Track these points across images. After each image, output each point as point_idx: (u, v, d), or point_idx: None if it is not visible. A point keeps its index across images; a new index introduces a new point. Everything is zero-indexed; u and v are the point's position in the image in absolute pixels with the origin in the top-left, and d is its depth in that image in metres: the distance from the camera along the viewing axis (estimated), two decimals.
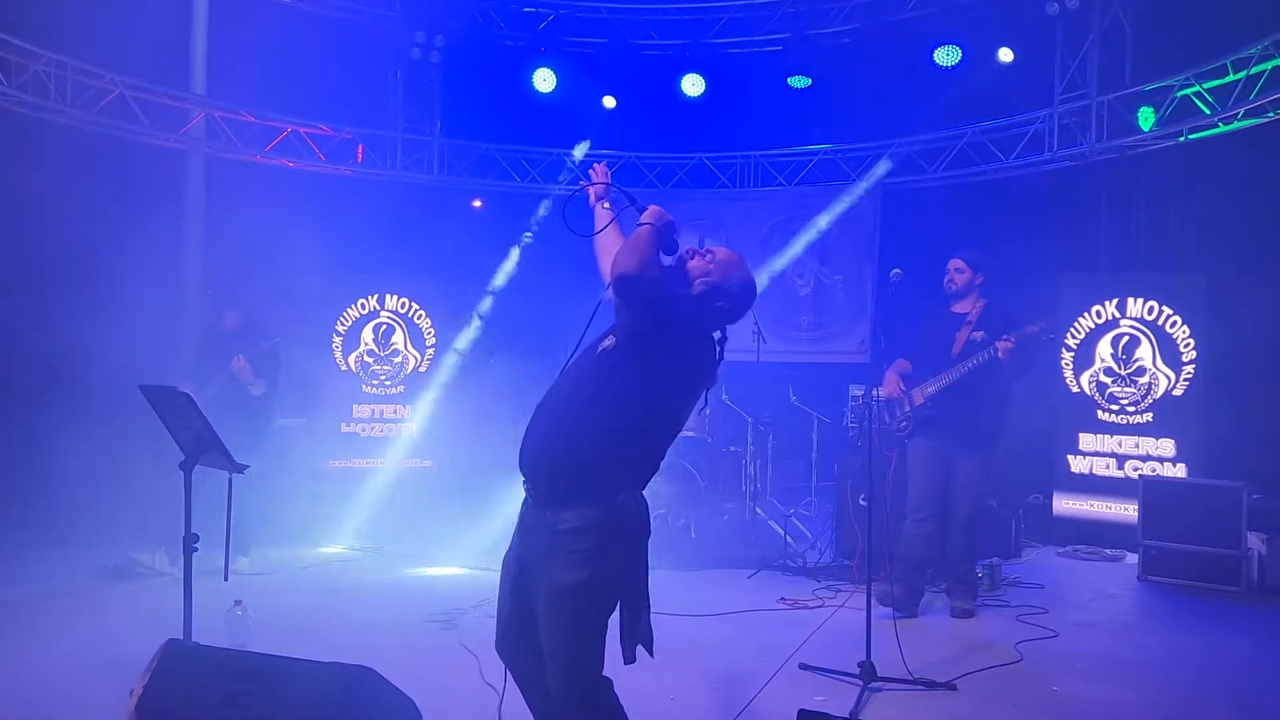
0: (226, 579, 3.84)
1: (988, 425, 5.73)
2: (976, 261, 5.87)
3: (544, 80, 10.47)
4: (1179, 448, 7.86)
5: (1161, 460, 7.92)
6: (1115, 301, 8.19)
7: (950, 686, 4.45)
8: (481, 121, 10.55)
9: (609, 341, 2.92)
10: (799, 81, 10.12)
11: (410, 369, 9.67)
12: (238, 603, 4.39)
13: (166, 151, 9.19)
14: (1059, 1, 8.26)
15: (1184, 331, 7.87)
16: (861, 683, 4.37)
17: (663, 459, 2.95)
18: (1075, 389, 8.39)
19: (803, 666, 4.70)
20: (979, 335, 5.70)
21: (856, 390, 7.81)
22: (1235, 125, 7.44)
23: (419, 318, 9.75)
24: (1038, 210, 8.94)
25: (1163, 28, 8.17)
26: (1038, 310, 8.37)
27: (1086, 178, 8.73)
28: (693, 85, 10.55)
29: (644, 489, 2.91)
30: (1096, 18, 8.40)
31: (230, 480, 3.86)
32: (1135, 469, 7.99)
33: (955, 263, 5.91)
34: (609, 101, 10.56)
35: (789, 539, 7.34)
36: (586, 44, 10.67)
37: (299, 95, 9.74)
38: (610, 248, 3.15)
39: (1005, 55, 8.77)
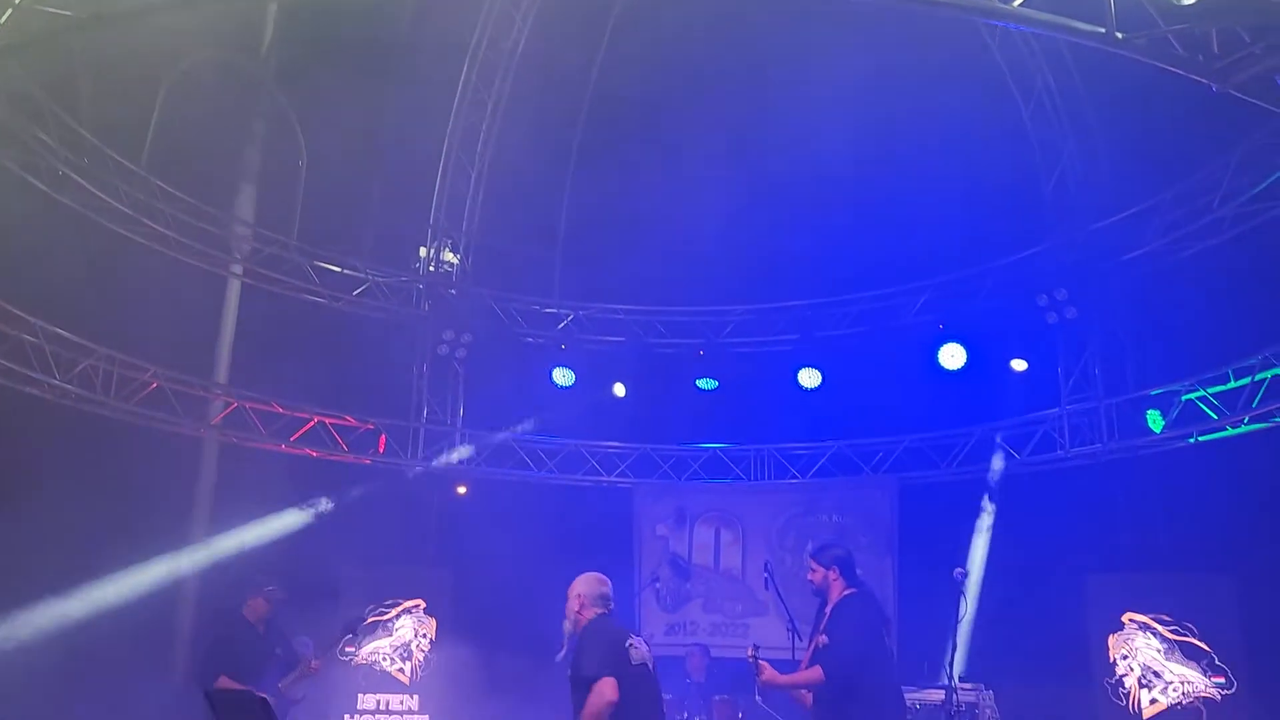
0: None
1: None
2: (829, 557, 5.60)
3: (564, 376, 10.82)
4: None
5: None
6: (1144, 599, 8.14)
7: None
8: (503, 413, 10.83)
9: None
10: (810, 378, 10.49)
11: (417, 661, 9.42)
12: None
13: (182, 438, 9.32)
14: (1057, 312, 8.82)
15: (1218, 632, 7.77)
16: None
17: None
18: (1112, 697, 8.14)
19: None
20: (822, 640, 5.49)
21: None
22: (1243, 429, 7.75)
23: (425, 612, 9.61)
24: (1057, 507, 9.04)
25: (1159, 335, 8.68)
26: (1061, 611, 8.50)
27: (1104, 475, 8.94)
28: (706, 381, 10.92)
29: None
30: (1095, 326, 8.93)
31: None
32: None
33: (808, 561, 5.74)
34: (619, 389, 10.82)
35: None
36: (604, 342, 11.15)
37: (323, 385, 10.04)
38: None
39: (1019, 365, 9.19)
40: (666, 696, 8.09)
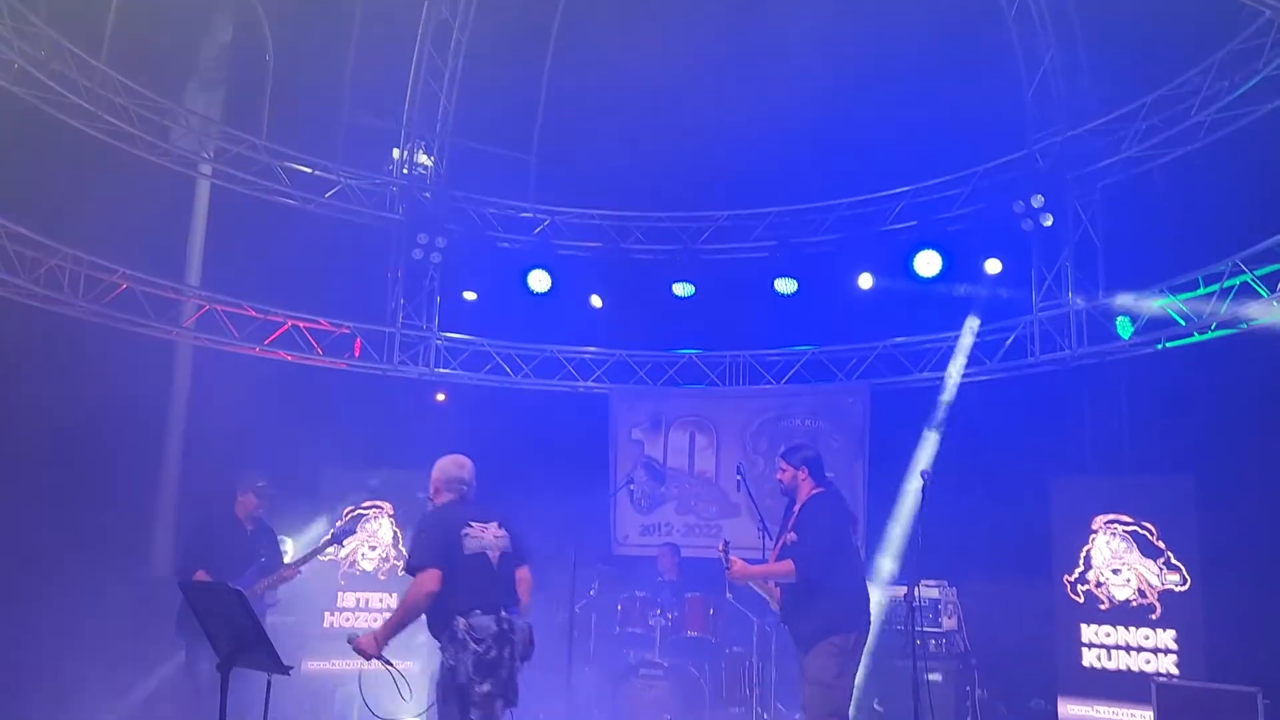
0: None
1: (808, 624, 5.55)
2: (799, 458, 5.79)
3: (539, 281, 10.76)
4: (1180, 650, 7.83)
5: (1163, 653, 7.87)
6: (1105, 500, 8.34)
7: None
8: (477, 319, 10.82)
9: None
10: (786, 286, 10.49)
11: (395, 561, 9.57)
12: None
13: (157, 341, 9.26)
14: (1033, 219, 8.83)
15: (1175, 531, 8.00)
16: None
17: None
18: (1070, 593, 8.40)
19: None
20: (791, 538, 5.66)
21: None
22: (1210, 335, 7.86)
23: (392, 512, 9.74)
24: (1023, 411, 9.20)
25: (1133, 242, 8.71)
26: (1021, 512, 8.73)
27: (1070, 380, 9.07)
28: (682, 288, 10.90)
29: None
30: (1069, 233, 8.96)
31: (270, 681, 3.72)
32: (1137, 670, 7.92)
33: (779, 461, 5.90)
34: (596, 301, 10.86)
35: None
36: (580, 247, 11.10)
37: (298, 290, 9.98)
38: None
39: (993, 266, 9.22)
40: (639, 594, 8.40)
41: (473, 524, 4.66)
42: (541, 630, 8.40)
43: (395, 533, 9.75)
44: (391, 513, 9.80)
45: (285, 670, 3.60)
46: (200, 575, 6.03)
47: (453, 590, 4.48)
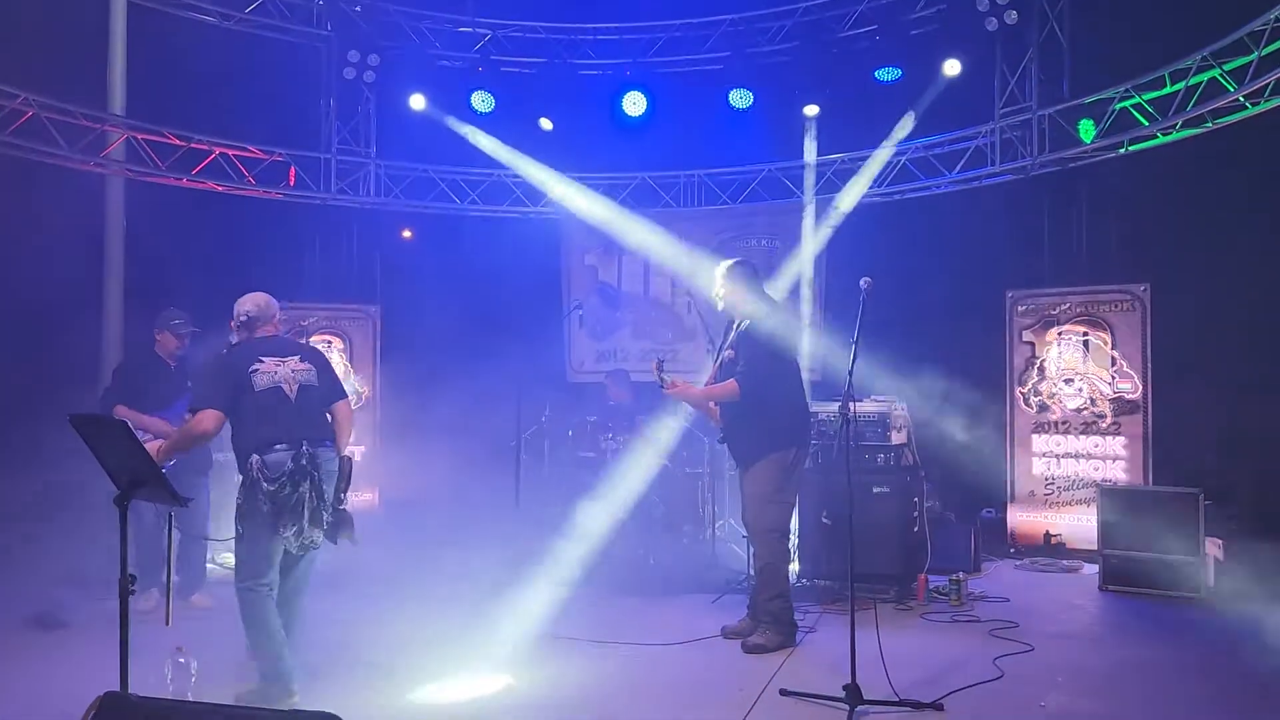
0: (169, 622, 3.52)
1: (748, 442, 5.52)
2: (735, 274, 5.60)
3: (483, 101, 10.23)
4: (1128, 456, 7.93)
5: (1110, 460, 7.98)
6: (1060, 312, 8.26)
7: (937, 706, 4.30)
8: (419, 143, 10.29)
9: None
10: (741, 100, 10.02)
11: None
12: (179, 649, 4.03)
13: (83, 174, 8.75)
14: (997, 17, 8.32)
15: (1128, 340, 7.96)
16: (848, 707, 4.19)
17: None
18: (1023, 404, 8.42)
19: (783, 692, 4.50)
20: (729, 355, 5.57)
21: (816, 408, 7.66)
22: (1174, 136, 7.55)
23: (342, 347, 9.56)
24: (981, 224, 8.95)
25: (1100, 41, 8.28)
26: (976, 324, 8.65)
27: (1029, 191, 8.80)
28: (633, 104, 10.38)
29: None
30: (1035, 33, 8.48)
31: (171, 515, 3.56)
32: (1085, 477, 8.03)
33: (716, 276, 5.69)
34: (546, 124, 10.35)
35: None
36: (525, 64, 10.49)
37: (225, 116, 9.41)
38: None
39: (951, 68, 8.73)
40: (590, 419, 8.33)
41: (264, 359, 4.46)
42: (490, 458, 8.47)
43: (347, 367, 9.59)
44: (342, 347, 9.64)
45: (183, 503, 3.43)
46: (121, 410, 5.84)
47: (245, 428, 4.38)
